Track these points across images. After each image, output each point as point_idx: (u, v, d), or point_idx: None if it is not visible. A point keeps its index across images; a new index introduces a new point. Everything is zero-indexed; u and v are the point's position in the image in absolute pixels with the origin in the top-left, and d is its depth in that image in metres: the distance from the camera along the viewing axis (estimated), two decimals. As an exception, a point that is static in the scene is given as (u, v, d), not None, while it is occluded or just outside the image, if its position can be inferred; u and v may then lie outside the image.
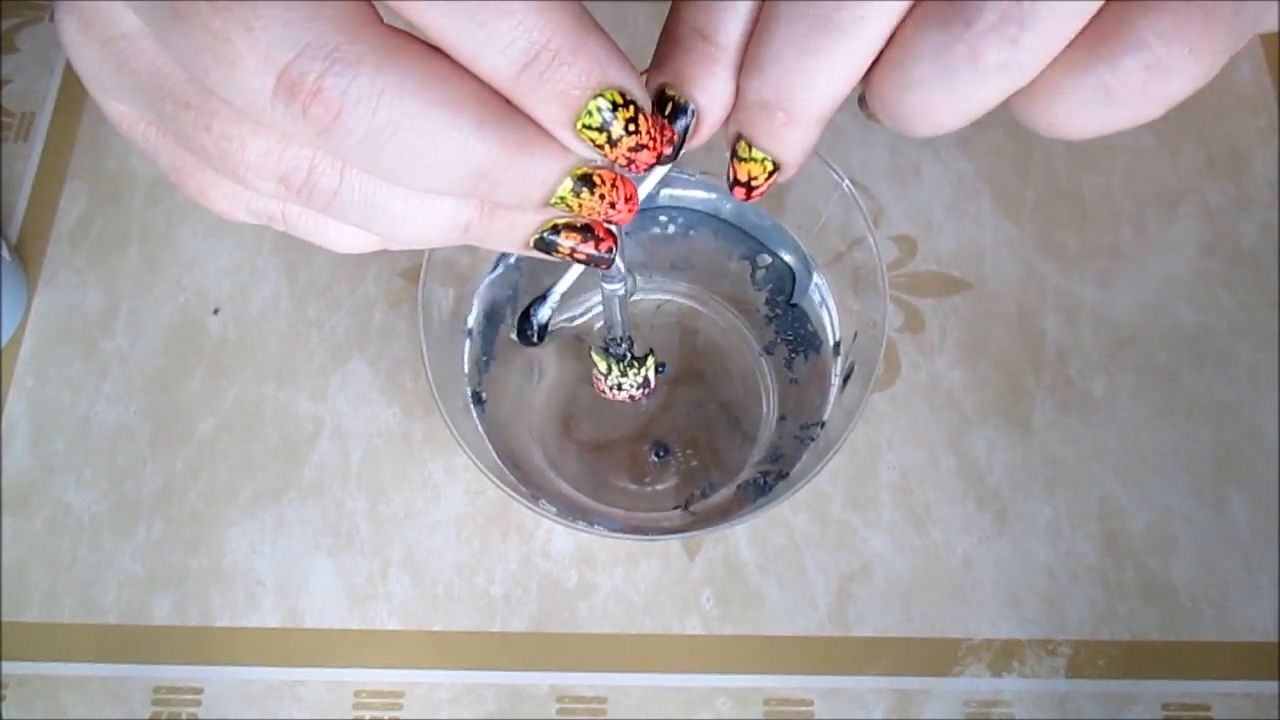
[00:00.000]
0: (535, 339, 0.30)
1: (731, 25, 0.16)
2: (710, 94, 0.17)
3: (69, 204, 0.43)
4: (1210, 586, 0.37)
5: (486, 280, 0.35)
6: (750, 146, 0.18)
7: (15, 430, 0.39)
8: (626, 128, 0.16)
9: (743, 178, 0.18)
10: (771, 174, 0.18)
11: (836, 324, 0.34)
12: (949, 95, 0.16)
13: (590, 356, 0.30)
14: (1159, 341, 0.40)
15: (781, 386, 0.37)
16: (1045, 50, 0.15)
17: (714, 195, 0.36)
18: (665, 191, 0.36)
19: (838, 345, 0.34)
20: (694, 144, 0.18)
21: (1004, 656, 0.36)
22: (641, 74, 0.19)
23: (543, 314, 0.29)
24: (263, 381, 0.40)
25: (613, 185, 0.17)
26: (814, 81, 0.16)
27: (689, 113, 0.17)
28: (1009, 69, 0.15)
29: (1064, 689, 0.36)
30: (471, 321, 0.35)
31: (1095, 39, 0.15)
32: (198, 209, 0.42)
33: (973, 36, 0.15)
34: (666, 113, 0.18)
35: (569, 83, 0.15)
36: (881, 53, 0.16)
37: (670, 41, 0.17)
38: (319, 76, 0.14)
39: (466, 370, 0.34)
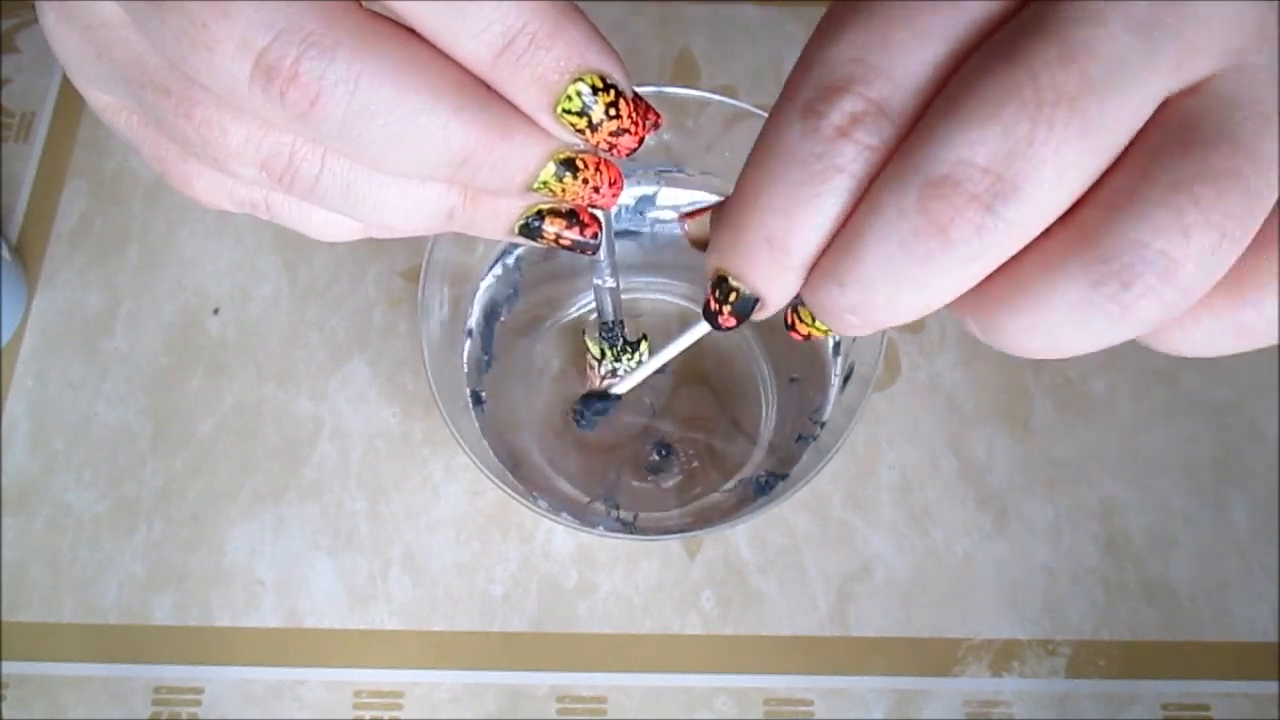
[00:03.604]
0: (587, 426, 0.31)
1: (806, 241, 0.15)
2: (776, 292, 0.17)
3: (69, 204, 0.43)
4: (1210, 586, 0.37)
5: (486, 280, 0.35)
6: (815, 317, 0.17)
7: (15, 430, 0.39)
8: (607, 112, 0.16)
9: (801, 331, 0.18)
10: (829, 335, 0.18)
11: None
12: (1080, 340, 0.15)
13: (584, 342, 0.30)
14: (1159, 341, 0.40)
15: (781, 386, 0.37)
16: (1193, 299, 0.14)
17: (714, 195, 0.36)
18: (665, 191, 0.36)
19: (838, 345, 0.34)
20: (755, 319, 0.18)
21: (1004, 656, 0.36)
22: (693, 214, 0.18)
23: (602, 406, 0.29)
24: (263, 381, 0.40)
25: (596, 169, 0.17)
26: (897, 305, 0.15)
27: (752, 300, 0.17)
28: (1153, 322, 0.14)
29: (1064, 689, 0.36)
30: (471, 321, 0.35)
31: (1233, 283, 0.14)
32: (198, 209, 0.42)
33: (1130, 298, 0.14)
34: (729, 299, 0.17)
35: (547, 67, 0.15)
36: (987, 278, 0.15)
37: (734, 237, 0.16)
38: (295, 61, 0.14)
39: (466, 370, 0.34)
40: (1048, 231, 0.14)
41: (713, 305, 0.17)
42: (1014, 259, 0.15)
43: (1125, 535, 0.38)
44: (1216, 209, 0.13)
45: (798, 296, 0.17)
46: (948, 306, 0.16)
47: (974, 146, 0.14)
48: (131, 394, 0.39)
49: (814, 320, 0.17)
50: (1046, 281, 0.14)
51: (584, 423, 0.33)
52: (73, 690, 0.35)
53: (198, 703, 0.35)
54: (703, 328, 0.22)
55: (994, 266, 0.15)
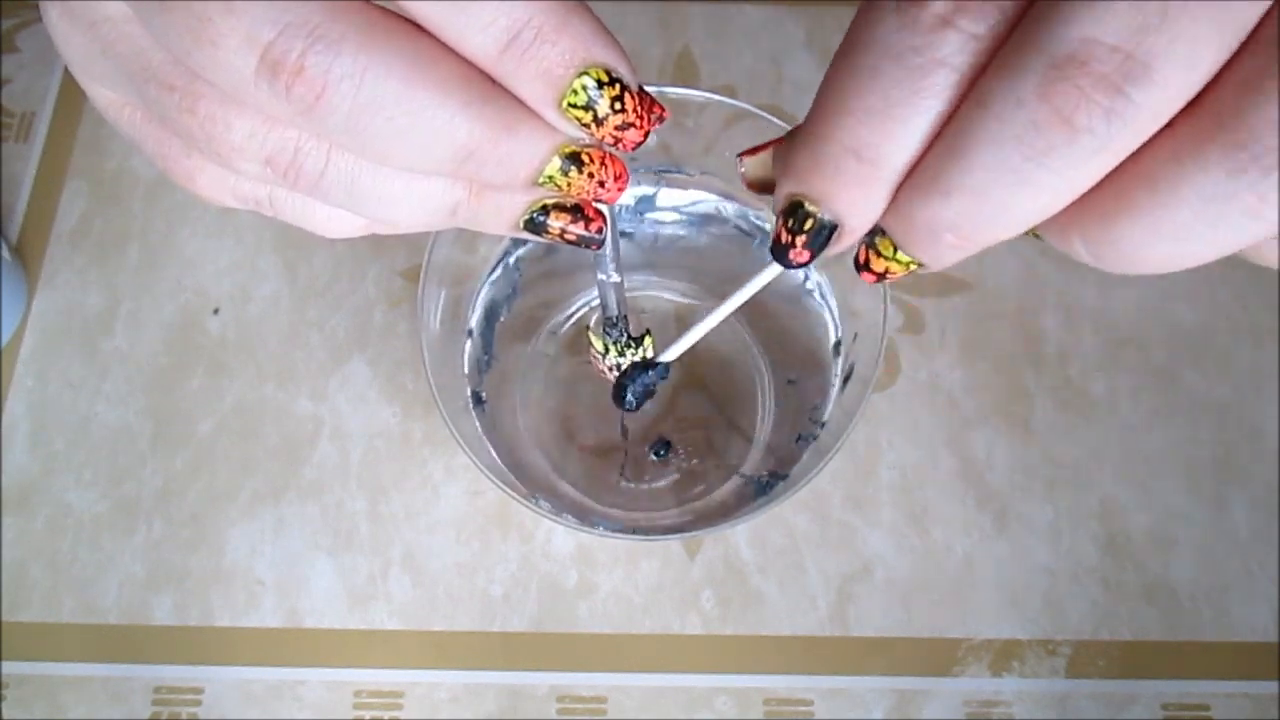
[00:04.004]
0: (632, 403, 0.26)
1: (902, 150, 0.14)
2: (861, 216, 0.15)
3: (69, 204, 0.43)
4: (1210, 586, 0.37)
5: (486, 280, 0.35)
6: (895, 248, 0.16)
7: (15, 430, 0.39)
8: (613, 106, 0.16)
9: (877, 269, 0.16)
10: (912, 271, 0.16)
11: (837, 324, 0.34)
12: (1209, 243, 0.13)
13: (587, 337, 0.30)
14: (1159, 341, 0.40)
15: (781, 387, 0.37)
16: None
17: (714, 195, 0.36)
18: (665, 192, 0.36)
19: (838, 345, 0.34)
20: (830, 254, 0.16)
21: (1004, 656, 0.36)
22: (753, 150, 0.17)
23: (648, 379, 0.25)
24: (263, 381, 0.40)
25: (601, 164, 0.17)
26: (1008, 213, 0.14)
27: (830, 227, 0.16)
28: None
29: (1064, 689, 0.36)
30: (471, 321, 0.35)
31: None
32: (198, 208, 0.42)
33: (1269, 186, 0.12)
34: (805, 227, 0.16)
35: (552, 61, 0.15)
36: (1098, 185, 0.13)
37: (815, 152, 0.15)
38: (301, 55, 0.14)
39: (466, 370, 0.34)
40: (1170, 124, 0.13)
41: (784, 238, 0.16)
42: (1132, 158, 0.13)
43: (1125, 535, 0.38)
44: None
45: (874, 229, 0.16)
46: (1049, 230, 0.14)
47: (1101, 22, 0.12)
48: (131, 394, 0.39)
49: (895, 252, 0.16)
50: (1176, 174, 0.13)
51: (629, 400, 0.27)
52: (73, 690, 0.35)
53: (198, 703, 0.35)
54: (771, 271, 0.20)
55: (1115, 163, 0.13)
